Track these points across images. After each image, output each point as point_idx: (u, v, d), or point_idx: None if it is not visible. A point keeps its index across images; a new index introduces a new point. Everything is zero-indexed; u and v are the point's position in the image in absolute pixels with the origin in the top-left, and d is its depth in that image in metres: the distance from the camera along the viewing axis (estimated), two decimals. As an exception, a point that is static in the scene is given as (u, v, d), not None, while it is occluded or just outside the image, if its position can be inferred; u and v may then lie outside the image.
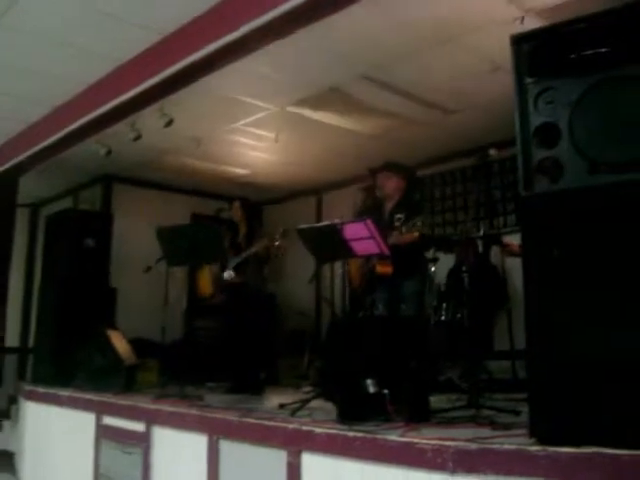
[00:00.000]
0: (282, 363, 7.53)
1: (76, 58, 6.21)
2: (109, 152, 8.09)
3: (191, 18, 5.51)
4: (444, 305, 6.90)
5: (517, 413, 4.17)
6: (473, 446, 3.13)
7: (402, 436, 3.43)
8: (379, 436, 3.47)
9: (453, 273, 7.53)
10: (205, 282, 7.22)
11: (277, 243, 6.63)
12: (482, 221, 8.41)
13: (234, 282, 6.83)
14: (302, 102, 7.30)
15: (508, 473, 2.99)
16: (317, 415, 4.42)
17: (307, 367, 8.40)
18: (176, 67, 5.65)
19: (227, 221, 7.69)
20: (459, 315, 6.74)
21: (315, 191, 10.83)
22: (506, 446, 3.06)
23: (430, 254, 6.45)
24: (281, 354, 7.47)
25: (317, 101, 7.25)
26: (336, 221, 4.73)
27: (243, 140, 8.61)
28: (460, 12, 5.41)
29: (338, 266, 5.80)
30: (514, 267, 7.14)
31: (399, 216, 5.50)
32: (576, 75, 3.25)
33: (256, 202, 7.43)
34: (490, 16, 5.45)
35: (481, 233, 7.41)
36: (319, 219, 9.96)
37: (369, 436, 3.50)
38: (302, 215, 9.00)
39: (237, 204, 7.33)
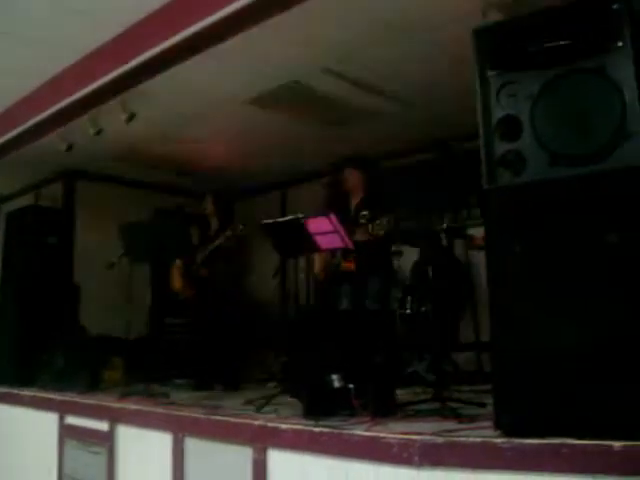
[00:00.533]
0: (249, 359, 7.48)
1: (34, 50, 6.10)
2: (70, 147, 7.97)
3: (153, 10, 5.44)
4: (409, 298, 6.91)
5: (482, 405, 4.20)
6: (439, 440, 3.14)
7: (368, 431, 3.43)
8: (345, 431, 3.47)
9: (417, 266, 7.54)
10: (176, 277, 7.15)
11: (240, 233, 6.59)
12: (445, 214, 8.43)
13: (203, 276, 6.77)
14: (263, 96, 7.24)
15: (475, 466, 3.00)
16: (283, 411, 4.41)
17: (273, 363, 8.38)
18: (138, 59, 5.61)
19: (190, 215, 7.65)
20: (424, 308, 6.75)
21: (280, 186, 10.78)
22: (472, 439, 3.07)
23: (394, 247, 6.45)
24: (248, 350, 7.42)
25: (279, 94, 7.19)
26: (299, 215, 4.72)
27: (203, 135, 8.52)
28: (423, 3, 5.39)
29: (303, 260, 5.81)
30: (478, 260, 7.19)
31: (364, 213, 5.48)
32: (537, 68, 3.27)
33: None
34: (452, 9, 5.45)
35: (444, 226, 7.41)
36: (284, 214, 9.92)
37: (335, 431, 3.50)
38: (267, 210, 8.93)
39: (209, 198, 7.23)
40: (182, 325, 8.67)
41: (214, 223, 7.06)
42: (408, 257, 7.32)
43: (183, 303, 7.51)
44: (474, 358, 7.37)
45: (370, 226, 5.21)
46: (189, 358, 7.38)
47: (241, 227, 6.53)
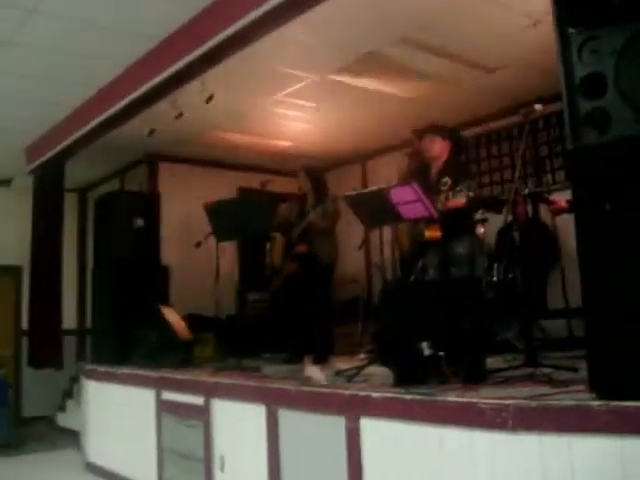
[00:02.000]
0: (336, 332, 7.53)
1: (113, 38, 6.25)
2: (152, 132, 8.12)
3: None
4: (495, 266, 6.84)
5: (575, 370, 4.13)
6: (533, 403, 3.13)
7: (460, 397, 3.43)
8: (437, 398, 3.48)
9: (503, 233, 7.44)
10: (277, 253, 7.21)
11: (332, 209, 6.61)
12: (530, 179, 8.30)
13: (302, 252, 6.82)
14: (342, 69, 7.24)
15: (569, 429, 2.97)
16: (373, 381, 4.44)
17: (361, 334, 8.43)
18: (214, 41, 5.66)
19: (274, 193, 7.69)
20: (511, 275, 6.68)
21: (359, 159, 10.78)
22: (566, 402, 3.04)
23: (479, 215, 6.37)
24: (335, 323, 7.46)
25: (357, 67, 7.18)
26: (382, 186, 4.71)
27: (285, 111, 8.59)
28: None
29: (387, 232, 5.80)
30: (565, 224, 7.05)
31: (445, 180, 5.44)
32: (620, 22, 3.17)
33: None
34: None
35: (527, 191, 7.30)
36: (365, 186, 9.91)
37: (427, 398, 3.51)
38: (348, 183, 8.93)
39: (302, 174, 7.16)
40: (268, 301, 8.78)
41: (310, 198, 7.03)
42: (493, 225, 7.23)
43: (270, 279, 7.58)
44: (563, 325, 7.26)
45: (451, 193, 5.18)
46: (279, 332, 7.48)
47: (319, 209, 6.55)
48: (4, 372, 9.81)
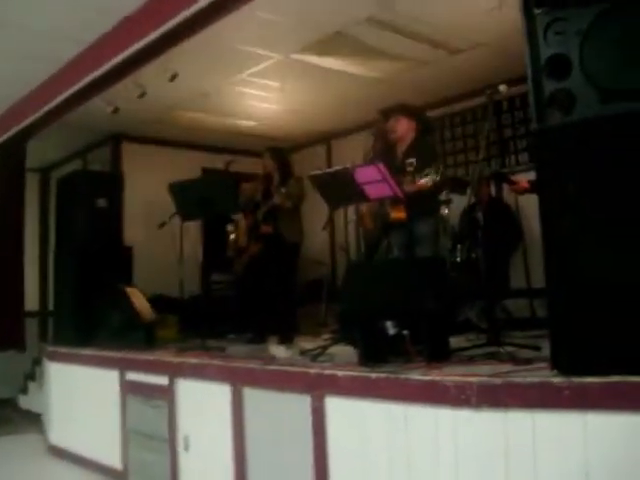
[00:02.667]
0: (300, 312, 7.55)
1: (77, 13, 6.14)
2: (116, 110, 8.03)
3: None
4: (459, 246, 6.89)
5: (538, 349, 4.19)
6: (496, 380, 3.17)
7: (425, 374, 3.46)
8: (402, 376, 3.50)
9: (466, 214, 7.50)
10: (241, 233, 7.19)
11: (296, 190, 6.60)
12: (494, 160, 8.37)
13: (266, 233, 6.81)
14: (307, 48, 7.21)
15: (533, 406, 3.02)
16: (338, 360, 4.46)
17: (325, 315, 8.46)
18: (178, 18, 5.59)
19: (238, 173, 7.66)
20: (474, 255, 6.73)
21: (324, 139, 10.77)
22: (529, 379, 3.09)
23: (443, 196, 6.41)
24: (299, 303, 7.49)
25: (322, 47, 7.16)
26: (347, 166, 4.72)
27: (249, 91, 8.54)
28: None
29: (351, 212, 5.81)
30: (527, 205, 7.13)
31: (411, 160, 5.45)
32: (584, 4, 3.19)
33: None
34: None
35: (491, 172, 7.37)
36: (330, 166, 9.91)
37: (392, 376, 3.54)
38: (313, 164, 8.91)
39: (267, 154, 7.16)
40: (232, 281, 8.77)
41: (275, 178, 7.01)
42: (456, 205, 7.28)
43: (234, 259, 7.57)
44: (526, 304, 7.36)
45: (417, 175, 5.19)
46: (243, 313, 7.47)
47: (283, 190, 6.54)
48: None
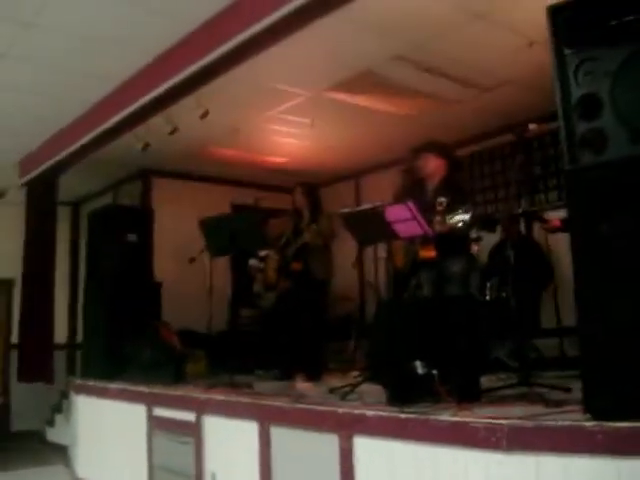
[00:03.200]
0: (329, 348, 7.52)
1: (110, 54, 6.27)
2: (146, 146, 8.11)
3: (224, 7, 5.51)
4: (488, 284, 6.85)
5: (568, 390, 4.14)
6: (527, 423, 3.12)
7: (454, 416, 3.42)
8: (431, 417, 3.47)
9: (496, 251, 7.47)
10: (271, 270, 7.18)
11: (327, 228, 6.60)
12: (523, 198, 8.33)
13: (296, 270, 6.81)
14: (337, 86, 7.27)
15: (564, 450, 2.97)
16: (367, 398, 4.43)
17: (353, 352, 8.41)
18: (210, 57, 5.68)
19: (267, 209, 7.69)
20: (504, 294, 6.68)
21: (353, 175, 10.79)
22: (561, 422, 3.04)
23: (473, 234, 6.38)
24: (327, 339, 7.45)
25: (352, 84, 7.21)
26: (377, 204, 4.72)
27: (279, 128, 8.61)
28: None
29: (381, 249, 5.79)
30: (558, 243, 7.08)
31: (441, 200, 5.43)
32: (615, 43, 3.20)
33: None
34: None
35: (521, 210, 7.32)
36: (358, 203, 9.92)
37: (421, 417, 3.50)
38: (341, 200, 8.93)
39: (299, 189, 7.09)
40: (260, 317, 8.77)
41: (305, 214, 7.00)
42: (486, 243, 7.25)
43: (256, 296, 7.59)
44: (556, 344, 7.27)
45: (447, 217, 5.17)
46: (271, 349, 7.45)
47: (315, 227, 6.53)
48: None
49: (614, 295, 3.02)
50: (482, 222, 6.84)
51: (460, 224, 5.05)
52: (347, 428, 3.90)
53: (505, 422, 3.14)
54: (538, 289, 7.35)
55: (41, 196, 9.46)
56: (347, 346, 8.70)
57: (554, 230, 5.62)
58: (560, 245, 7.06)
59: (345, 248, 7.36)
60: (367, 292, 9.89)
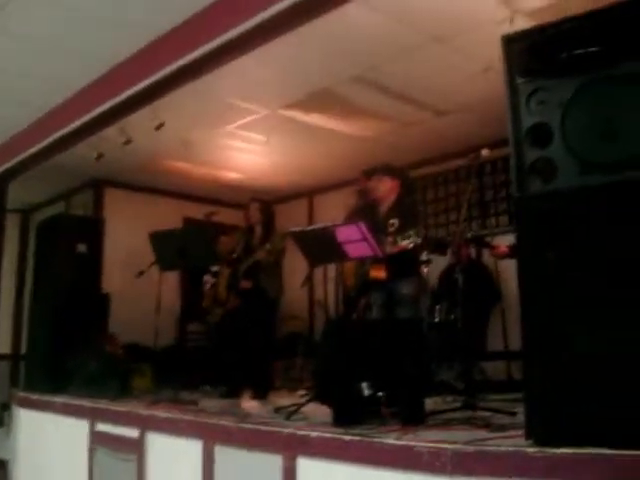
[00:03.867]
0: (276, 366, 7.49)
1: (66, 61, 6.21)
2: (100, 156, 8.04)
3: (182, 20, 5.51)
4: (437, 307, 6.90)
5: (513, 414, 4.17)
6: (470, 448, 3.12)
7: (399, 439, 3.41)
8: (376, 439, 3.45)
9: (446, 274, 7.53)
10: (222, 286, 7.12)
11: (279, 247, 6.57)
12: (474, 222, 8.42)
13: (246, 288, 6.76)
14: (294, 105, 7.30)
15: (506, 475, 2.98)
16: (313, 419, 4.40)
17: (301, 370, 8.39)
18: (167, 69, 5.66)
19: (218, 224, 7.64)
20: (452, 316, 6.74)
21: (307, 193, 10.80)
22: (504, 448, 3.05)
23: (423, 256, 6.43)
24: (275, 357, 7.43)
25: (309, 103, 7.25)
26: (328, 224, 4.72)
27: (235, 143, 8.61)
28: (451, 12, 5.42)
29: (331, 269, 5.80)
30: (506, 268, 7.16)
31: (393, 221, 5.48)
32: (567, 75, 3.24)
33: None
34: (480, 16, 5.47)
35: (470, 235, 7.40)
36: (311, 222, 9.95)
37: (365, 439, 3.48)
38: (294, 218, 8.94)
39: (255, 205, 7.02)
40: (208, 333, 8.72)
41: (258, 231, 6.96)
42: (435, 266, 7.30)
43: (206, 313, 7.54)
44: (503, 367, 7.34)
45: (398, 237, 5.21)
46: (217, 366, 7.40)
47: (268, 246, 6.49)
48: None
49: (559, 321, 3.05)
50: (433, 245, 6.91)
51: (411, 245, 5.09)
52: (291, 449, 3.87)
53: (449, 447, 3.14)
54: (486, 312, 7.43)
55: (-12, 203, 9.28)
56: (294, 364, 8.67)
57: (502, 256, 5.70)
58: (508, 270, 7.15)
59: (295, 266, 7.35)
60: (316, 311, 9.89)
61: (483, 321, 7.38)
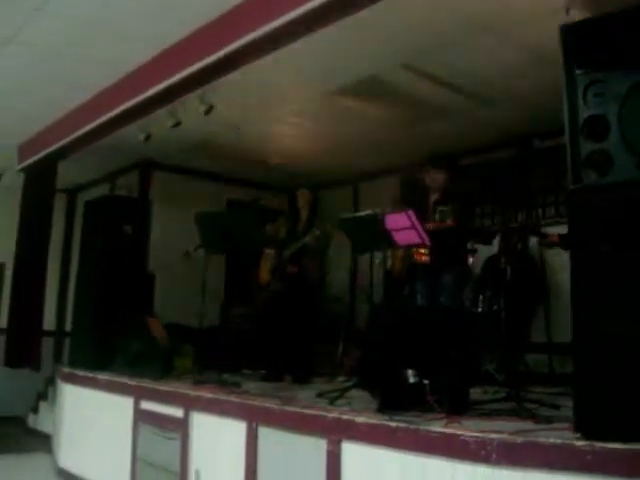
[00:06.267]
0: (316, 351, 7.50)
1: (119, 43, 6.25)
2: (148, 138, 8.08)
3: (233, 5, 5.51)
4: (480, 297, 6.85)
5: (557, 408, 4.16)
6: (517, 439, 3.13)
7: (445, 427, 3.43)
8: (422, 427, 3.47)
9: (491, 264, 7.46)
10: (265, 270, 7.16)
11: (329, 234, 6.59)
12: (520, 212, 8.32)
13: (291, 273, 6.79)
14: (342, 90, 7.26)
15: (552, 467, 2.97)
16: (356, 405, 4.42)
17: (341, 356, 8.41)
18: (219, 54, 5.65)
19: (264, 208, 7.66)
20: (495, 307, 6.69)
21: (352, 180, 10.74)
22: (552, 440, 3.04)
23: (468, 246, 6.40)
24: (316, 342, 7.44)
25: (356, 90, 7.21)
26: (378, 211, 4.72)
27: (281, 128, 8.60)
28: (503, 0, 5.35)
29: (377, 254, 5.80)
30: (554, 260, 7.11)
31: (442, 208, 5.48)
32: (626, 68, 3.21)
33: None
34: (534, 6, 5.39)
35: (519, 224, 7.33)
36: (356, 210, 9.91)
37: (412, 426, 3.50)
38: (338, 205, 8.91)
39: (304, 191, 7.09)
40: (251, 316, 8.76)
41: (303, 217, 7.01)
42: (480, 255, 7.26)
43: (255, 295, 7.57)
44: (544, 359, 7.28)
45: (437, 215, 5.21)
46: (260, 349, 7.45)
47: (317, 232, 6.50)
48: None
49: (611, 315, 3.04)
50: (478, 234, 6.87)
51: (449, 221, 5.10)
52: (336, 433, 3.91)
53: (495, 436, 3.15)
54: (531, 304, 7.36)
55: (39, 182, 9.41)
56: (334, 349, 8.68)
57: (552, 245, 5.63)
58: (556, 261, 7.10)
59: (339, 252, 7.38)
60: (358, 297, 9.87)
61: (528, 313, 7.31)
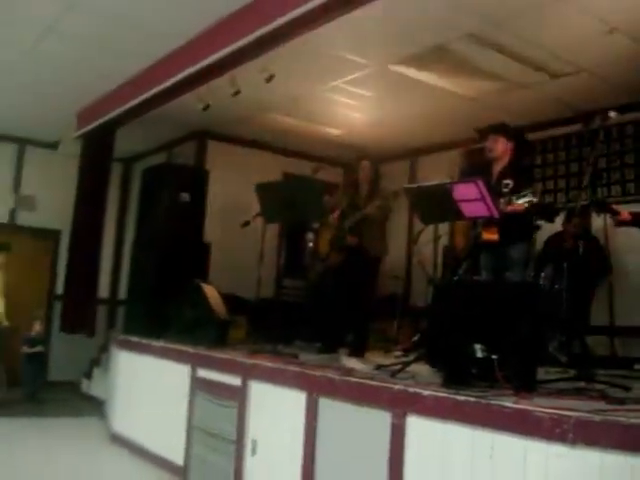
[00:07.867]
0: (371, 327, 7.42)
1: (178, 11, 6.20)
2: (207, 107, 8.02)
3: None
4: (542, 274, 6.69)
5: (628, 389, 4.03)
6: (595, 417, 3.01)
7: (517, 403, 3.32)
8: (493, 402, 3.37)
9: (553, 241, 7.26)
10: (324, 242, 7.08)
11: (390, 204, 6.47)
12: (585, 190, 8.11)
13: (350, 244, 6.69)
14: (405, 60, 7.10)
15: (632, 448, 2.85)
16: (419, 378, 4.34)
17: (397, 331, 8.33)
18: (278, 22, 5.55)
19: (324, 181, 7.56)
20: (557, 285, 6.53)
21: (410, 154, 10.55)
22: (633, 420, 2.92)
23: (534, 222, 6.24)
24: (373, 317, 7.35)
25: (421, 60, 7.04)
26: (445, 181, 4.60)
27: (341, 99, 8.47)
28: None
29: (440, 229, 5.68)
30: (619, 239, 6.92)
31: (507, 182, 5.34)
32: None
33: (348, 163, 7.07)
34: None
35: (587, 202, 7.13)
36: (413, 182, 9.75)
37: (482, 401, 3.40)
38: (396, 178, 8.75)
39: (367, 163, 6.92)
40: (305, 288, 8.72)
41: (364, 189, 6.87)
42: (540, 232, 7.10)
43: (310, 267, 7.52)
44: (606, 342, 7.12)
45: (514, 197, 5.06)
46: (314, 321, 7.40)
47: (378, 202, 6.39)
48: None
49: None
50: (542, 211, 6.69)
51: (526, 205, 4.95)
52: (401, 406, 3.82)
53: (572, 414, 3.03)
54: (593, 284, 7.17)
55: (96, 150, 9.45)
56: (389, 324, 8.61)
57: (622, 223, 5.43)
58: (622, 240, 6.90)
59: (398, 226, 7.25)
60: (415, 272, 9.72)
61: (590, 293, 7.12)
